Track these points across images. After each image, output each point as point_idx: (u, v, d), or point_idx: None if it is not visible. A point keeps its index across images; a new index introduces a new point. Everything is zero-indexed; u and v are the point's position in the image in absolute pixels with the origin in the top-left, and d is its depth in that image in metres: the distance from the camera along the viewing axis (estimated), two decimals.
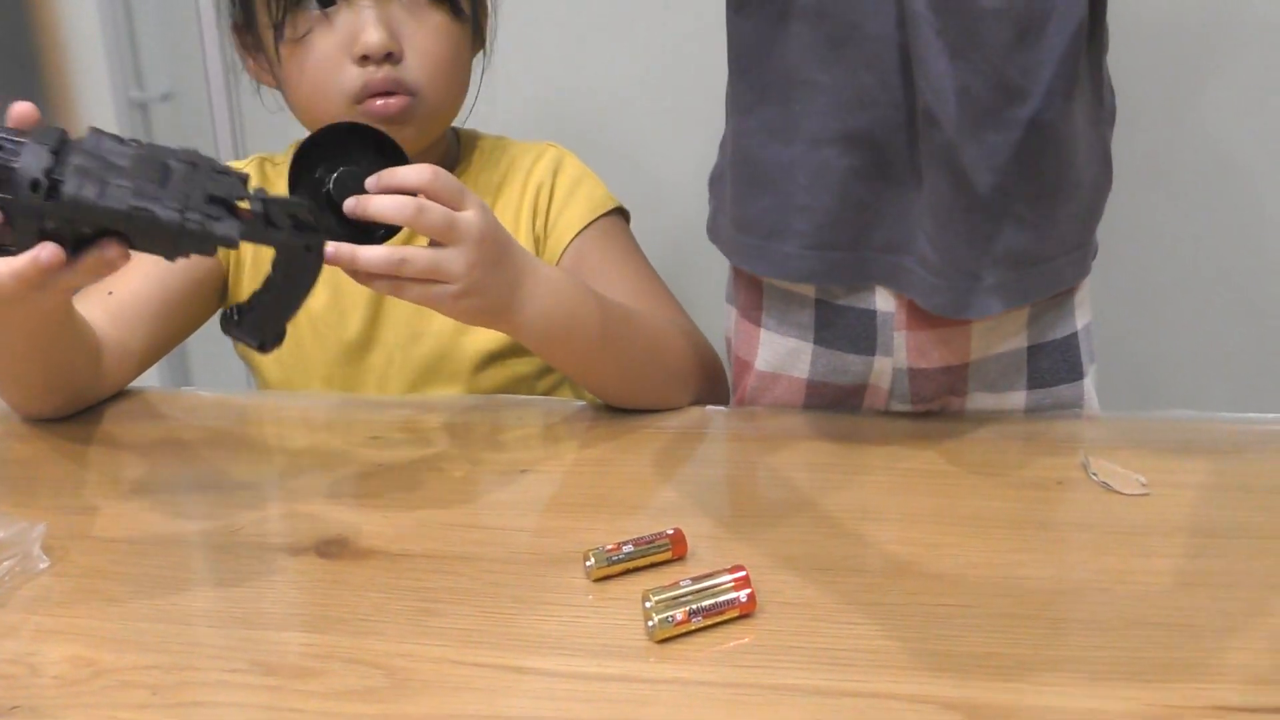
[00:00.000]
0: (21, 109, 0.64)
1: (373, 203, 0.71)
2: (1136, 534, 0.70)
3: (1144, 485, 0.75)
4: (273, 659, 0.60)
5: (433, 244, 0.73)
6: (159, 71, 1.54)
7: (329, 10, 0.89)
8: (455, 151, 1.02)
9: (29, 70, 1.54)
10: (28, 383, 0.86)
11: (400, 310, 0.96)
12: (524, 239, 0.98)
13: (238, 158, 1.45)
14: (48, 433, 0.88)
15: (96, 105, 1.53)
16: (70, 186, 0.61)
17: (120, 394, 0.93)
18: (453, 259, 0.72)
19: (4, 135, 0.61)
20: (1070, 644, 0.60)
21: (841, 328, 0.84)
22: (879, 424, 0.87)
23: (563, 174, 1.00)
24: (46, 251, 0.62)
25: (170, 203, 0.62)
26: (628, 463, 0.81)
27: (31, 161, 0.60)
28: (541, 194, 0.99)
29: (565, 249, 0.97)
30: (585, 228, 0.98)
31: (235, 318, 0.72)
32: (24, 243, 0.62)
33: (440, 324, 0.95)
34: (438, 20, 0.91)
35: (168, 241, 0.63)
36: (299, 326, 0.96)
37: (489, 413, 0.90)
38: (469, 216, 0.73)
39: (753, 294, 0.88)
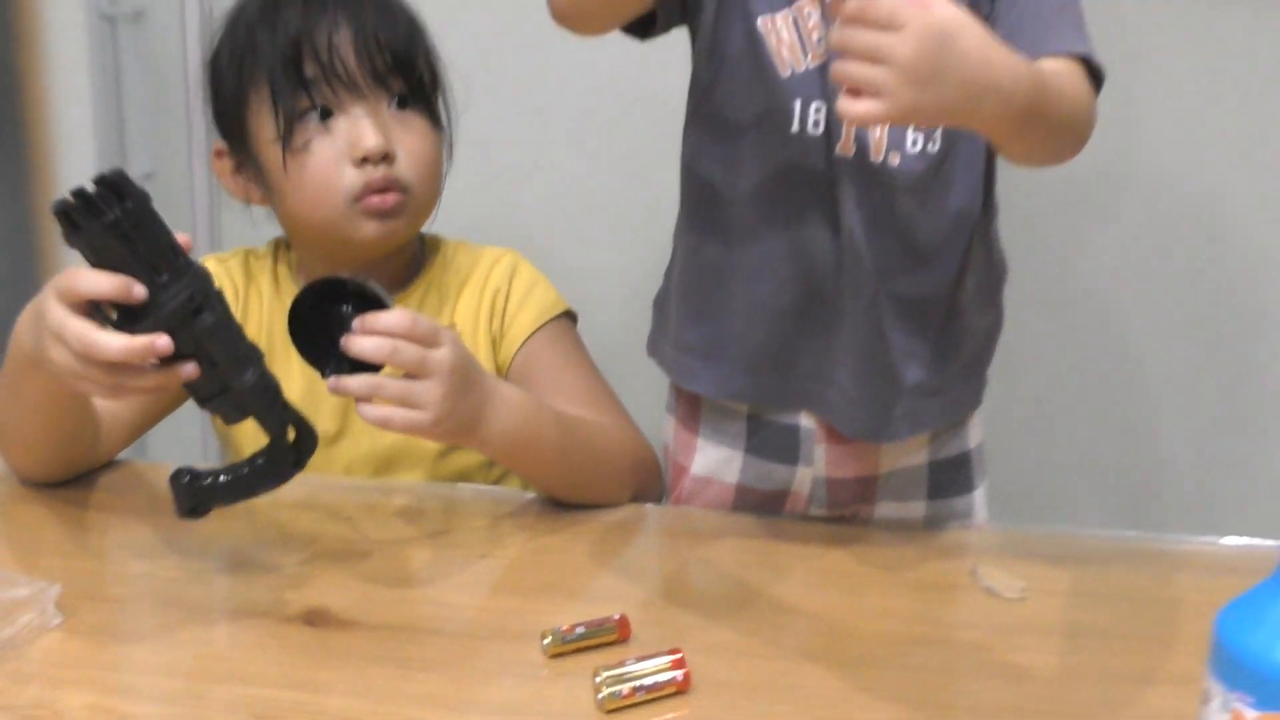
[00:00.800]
0: (184, 240, 0.74)
1: (355, 343, 0.82)
2: (1015, 633, 0.82)
3: (1023, 590, 0.87)
4: (271, 712, 0.69)
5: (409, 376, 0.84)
6: (143, 151, 1.64)
7: (328, 121, 1.00)
8: (421, 254, 1.12)
9: (15, 145, 1.62)
10: (39, 447, 0.94)
11: None
12: (482, 339, 1.08)
13: (213, 238, 1.55)
14: (48, 496, 0.96)
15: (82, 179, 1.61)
16: (210, 316, 0.72)
17: (110, 463, 1.02)
18: (426, 390, 0.83)
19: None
20: None
21: (769, 440, 0.97)
22: (799, 527, 0.98)
23: (518, 279, 1.10)
24: (162, 341, 0.72)
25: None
26: (574, 552, 0.92)
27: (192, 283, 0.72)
28: (498, 298, 1.09)
29: (518, 350, 1.07)
30: (536, 330, 1.07)
31: (186, 480, 0.80)
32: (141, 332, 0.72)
33: None
34: (421, 125, 1.03)
35: (241, 392, 0.75)
36: None
37: (448, 500, 1.00)
38: (441, 354, 0.84)
39: (691, 407, 1.00)
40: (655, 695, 0.71)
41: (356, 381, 0.82)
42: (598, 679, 0.71)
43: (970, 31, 0.72)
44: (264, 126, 1.02)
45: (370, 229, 1.00)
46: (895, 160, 0.88)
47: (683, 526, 0.99)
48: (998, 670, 0.77)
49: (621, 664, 0.72)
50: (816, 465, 0.97)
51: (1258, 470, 1.54)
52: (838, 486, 0.98)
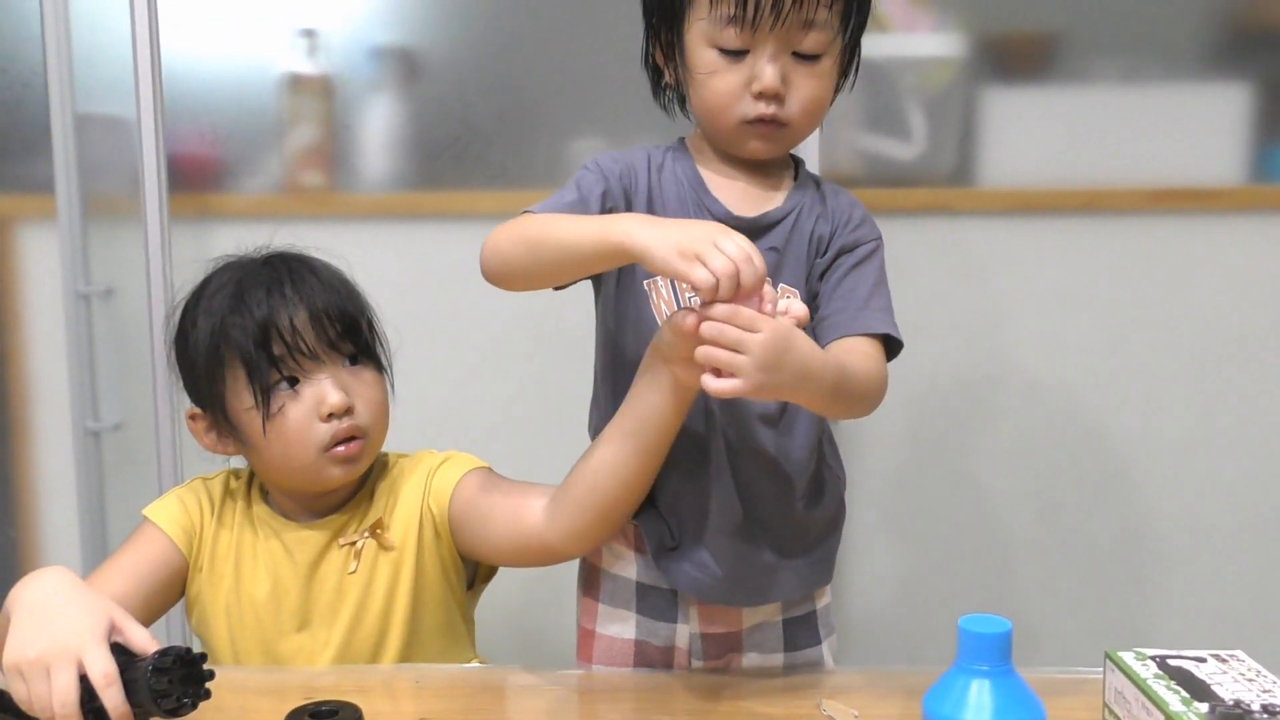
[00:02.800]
0: None
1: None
2: None
3: (855, 717, 1.10)
4: None
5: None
6: (114, 406, 1.87)
7: (295, 387, 1.20)
8: (371, 468, 1.32)
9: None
10: None
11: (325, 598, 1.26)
12: (418, 517, 1.26)
13: (177, 478, 1.77)
14: None
15: (57, 433, 1.85)
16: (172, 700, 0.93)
17: None
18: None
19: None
20: None
21: (653, 603, 1.21)
22: (684, 678, 1.21)
23: (440, 456, 1.30)
24: None
25: None
26: (509, 711, 1.13)
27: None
28: (430, 475, 1.28)
29: (449, 501, 1.25)
30: (462, 477, 1.26)
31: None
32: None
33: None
34: (371, 376, 1.24)
35: None
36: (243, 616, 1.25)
37: (413, 674, 1.20)
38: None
39: (593, 577, 1.25)
40: None
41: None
42: None
43: (801, 337, 1.01)
44: (239, 397, 1.19)
45: (337, 472, 1.20)
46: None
47: (589, 685, 1.21)
48: None
49: None
50: (692, 623, 1.22)
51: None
52: (709, 640, 1.22)
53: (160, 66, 1.69)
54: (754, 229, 1.15)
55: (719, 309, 0.97)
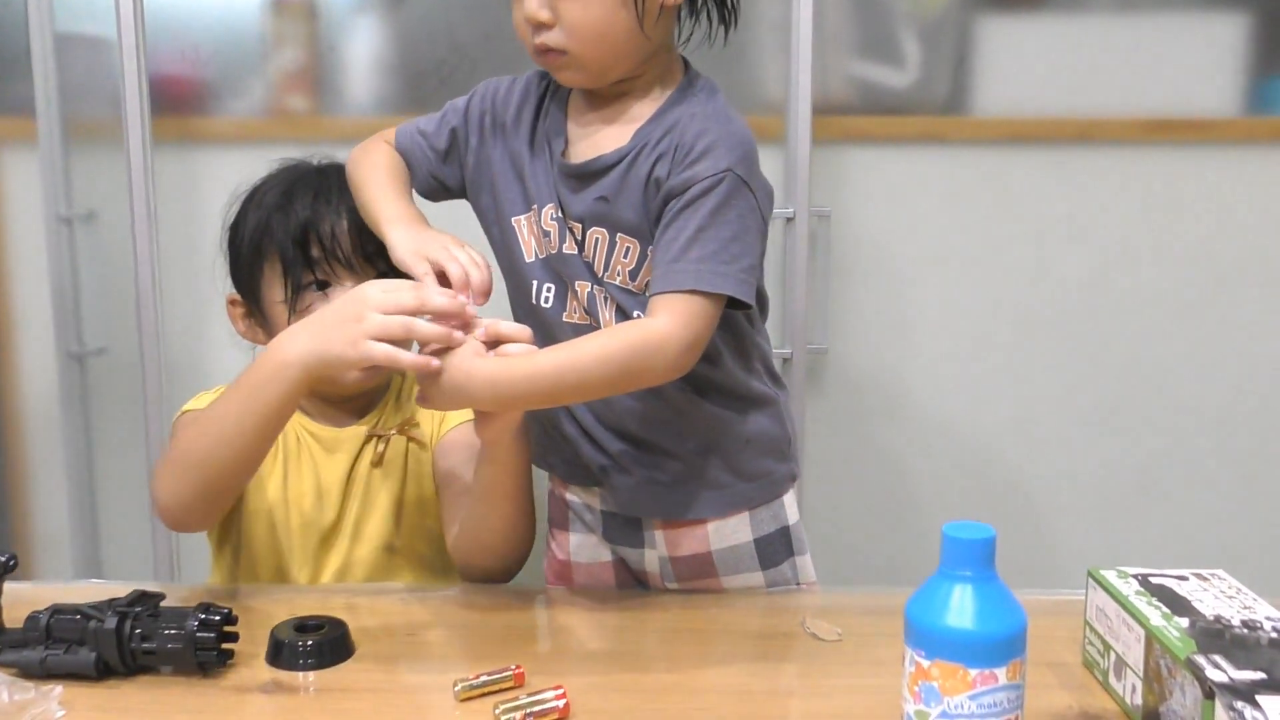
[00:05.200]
0: None
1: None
2: (830, 664, 1.05)
3: (839, 634, 1.10)
4: None
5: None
6: (97, 331, 1.86)
7: (326, 290, 1.25)
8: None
9: None
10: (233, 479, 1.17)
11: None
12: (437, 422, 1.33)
13: (162, 405, 1.76)
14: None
15: (41, 357, 1.84)
16: None
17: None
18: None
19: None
20: None
21: (618, 529, 1.23)
22: (660, 598, 1.22)
23: None
24: None
25: None
26: (488, 625, 1.14)
27: None
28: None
29: (439, 441, 1.32)
30: (455, 427, 1.31)
31: None
32: None
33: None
34: None
35: None
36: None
37: (397, 594, 1.21)
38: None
39: (562, 511, 1.27)
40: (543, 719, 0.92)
41: None
42: (497, 710, 0.92)
43: (480, 366, 1.03)
44: (273, 290, 1.27)
45: (354, 376, 1.24)
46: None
47: (564, 599, 1.23)
48: (816, 689, 1.00)
49: (516, 699, 0.94)
50: (659, 547, 1.22)
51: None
52: (680, 564, 1.22)
53: None
54: (581, 175, 1.13)
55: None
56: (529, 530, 1.23)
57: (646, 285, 1.11)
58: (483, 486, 1.18)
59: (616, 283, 1.13)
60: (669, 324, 1.05)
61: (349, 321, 1.03)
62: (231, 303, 1.34)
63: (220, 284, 1.34)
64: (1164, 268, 1.83)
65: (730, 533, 1.22)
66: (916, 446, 1.88)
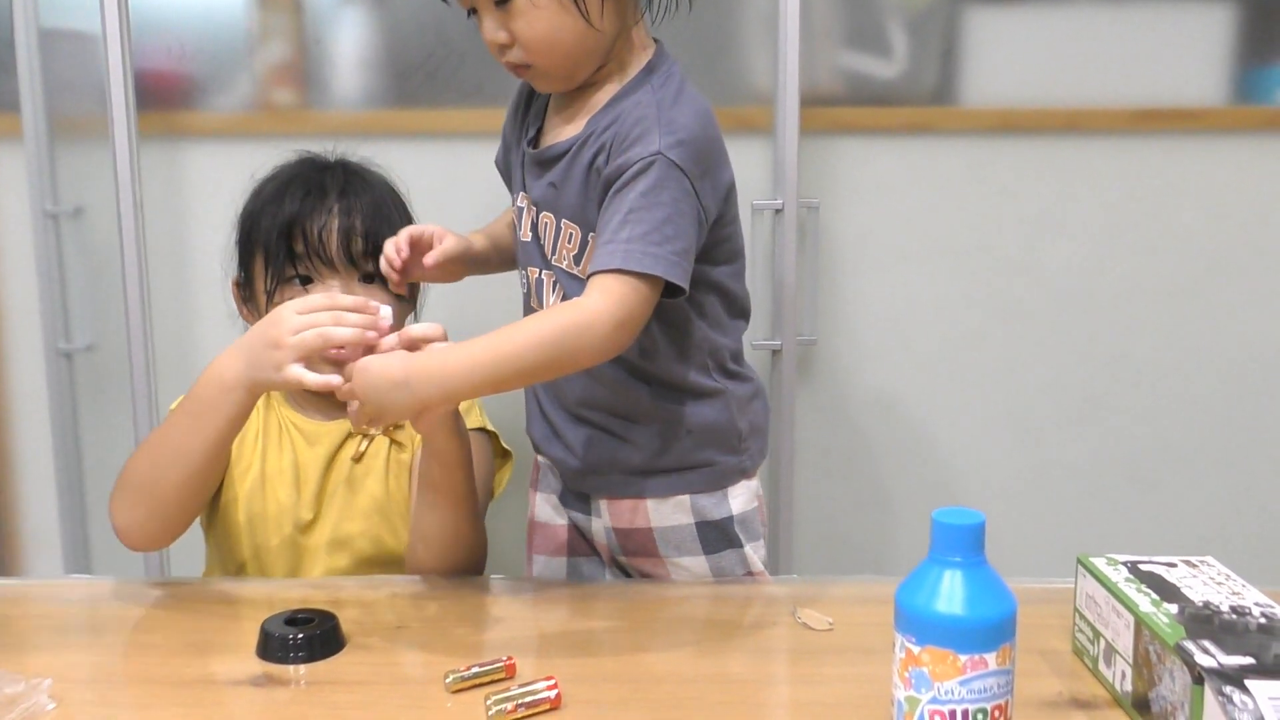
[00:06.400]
0: None
1: None
2: (821, 653, 1.05)
3: (830, 623, 1.10)
4: None
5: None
6: (85, 327, 1.85)
7: (307, 286, 1.28)
8: None
9: None
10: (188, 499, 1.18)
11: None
12: None
13: (151, 402, 1.75)
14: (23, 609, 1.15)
15: (28, 354, 1.83)
16: None
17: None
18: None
19: None
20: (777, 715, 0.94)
21: (572, 495, 1.27)
22: (653, 586, 1.22)
23: None
24: None
25: None
26: (475, 619, 1.13)
27: None
28: None
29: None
30: None
31: None
32: None
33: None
34: (381, 297, 1.24)
35: None
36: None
37: (382, 585, 1.20)
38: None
39: (535, 469, 1.32)
40: (534, 710, 0.92)
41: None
42: (488, 701, 0.92)
43: (401, 363, 1.07)
44: (261, 278, 1.30)
45: (328, 370, 1.22)
46: None
47: (553, 593, 1.21)
48: (807, 678, 1.00)
49: (508, 689, 0.94)
50: (604, 517, 1.26)
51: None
52: (622, 536, 1.25)
53: None
54: (540, 162, 1.18)
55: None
56: (472, 534, 1.23)
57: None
58: (425, 481, 1.20)
59: (563, 266, 1.18)
60: (599, 302, 1.06)
61: (270, 349, 1.07)
62: (235, 284, 1.37)
63: (229, 267, 1.39)
64: (1152, 257, 1.83)
65: (669, 514, 1.24)
66: (906, 437, 1.88)
